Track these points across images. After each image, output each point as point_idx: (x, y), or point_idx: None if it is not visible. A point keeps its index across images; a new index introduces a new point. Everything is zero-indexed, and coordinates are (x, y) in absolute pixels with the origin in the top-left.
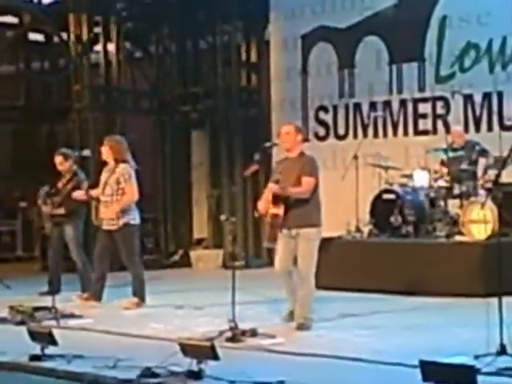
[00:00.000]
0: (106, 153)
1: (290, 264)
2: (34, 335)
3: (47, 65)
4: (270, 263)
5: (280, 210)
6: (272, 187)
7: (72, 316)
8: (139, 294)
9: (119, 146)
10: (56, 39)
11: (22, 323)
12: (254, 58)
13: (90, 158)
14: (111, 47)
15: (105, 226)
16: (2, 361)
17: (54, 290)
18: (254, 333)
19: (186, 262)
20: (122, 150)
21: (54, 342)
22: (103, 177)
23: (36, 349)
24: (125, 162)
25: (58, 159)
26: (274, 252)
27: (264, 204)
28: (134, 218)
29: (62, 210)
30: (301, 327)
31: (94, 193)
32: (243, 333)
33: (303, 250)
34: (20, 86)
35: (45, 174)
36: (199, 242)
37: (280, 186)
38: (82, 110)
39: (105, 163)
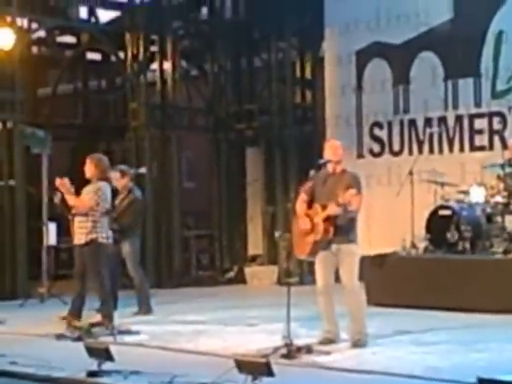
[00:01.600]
0: (89, 170)
1: (332, 280)
2: (91, 351)
3: (104, 83)
4: None
5: (331, 228)
6: (332, 209)
7: (128, 332)
8: (104, 311)
9: (101, 163)
10: (113, 58)
11: (79, 339)
12: (308, 74)
13: (146, 176)
14: (167, 65)
15: (75, 241)
16: (60, 376)
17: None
18: (309, 349)
19: (240, 279)
20: (103, 167)
21: (110, 358)
22: (84, 192)
23: (93, 365)
24: (105, 179)
25: (116, 175)
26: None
27: (305, 219)
28: (105, 236)
29: (115, 225)
30: (357, 343)
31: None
32: (298, 349)
33: (348, 264)
34: (78, 104)
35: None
36: (254, 258)
37: (339, 205)
38: (139, 128)
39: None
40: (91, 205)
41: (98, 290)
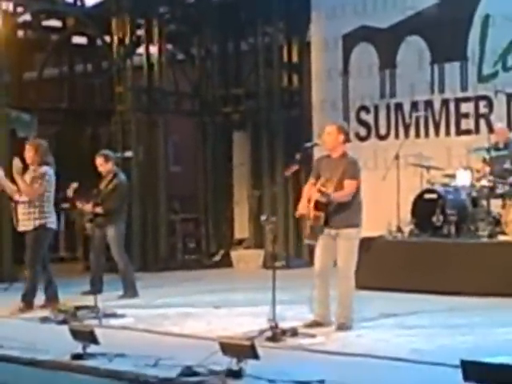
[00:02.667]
0: (29, 156)
1: (330, 264)
2: (76, 334)
3: (90, 67)
4: (311, 263)
5: (321, 214)
6: (315, 196)
7: (113, 315)
8: (28, 298)
9: (42, 148)
10: (99, 42)
11: (64, 322)
12: (295, 58)
13: (132, 159)
14: (153, 49)
15: (20, 228)
16: (45, 359)
17: (96, 289)
18: (294, 332)
19: (227, 262)
20: (45, 152)
21: (95, 341)
22: (25, 178)
23: (78, 347)
24: (47, 164)
25: (99, 160)
26: (314, 251)
27: (304, 203)
28: (51, 221)
29: (100, 209)
30: (341, 327)
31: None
32: (283, 332)
33: (343, 249)
34: (64, 88)
35: (88, 176)
36: (240, 242)
37: (322, 193)
38: (125, 112)
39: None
40: (41, 191)
41: (30, 274)
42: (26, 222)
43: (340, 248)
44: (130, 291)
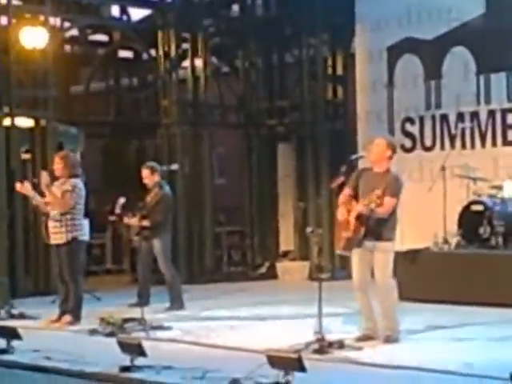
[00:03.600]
0: (58, 169)
1: (369, 276)
2: (123, 346)
3: (136, 81)
4: None
5: (362, 227)
6: (359, 208)
7: (160, 327)
8: (75, 312)
9: (71, 160)
10: (145, 56)
11: (112, 334)
12: (339, 70)
13: (177, 172)
14: (199, 63)
15: (52, 241)
16: (94, 371)
17: (143, 302)
18: (340, 345)
19: (272, 274)
20: (74, 164)
21: (143, 354)
22: (54, 190)
23: (126, 360)
24: (76, 176)
25: (145, 173)
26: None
27: (343, 212)
28: (83, 234)
29: (146, 222)
30: (388, 339)
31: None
32: (330, 345)
33: (382, 261)
34: (110, 102)
35: (134, 188)
36: (285, 254)
37: (368, 208)
38: (170, 125)
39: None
40: (72, 204)
41: (73, 287)
42: (57, 235)
43: (378, 260)
44: (177, 303)
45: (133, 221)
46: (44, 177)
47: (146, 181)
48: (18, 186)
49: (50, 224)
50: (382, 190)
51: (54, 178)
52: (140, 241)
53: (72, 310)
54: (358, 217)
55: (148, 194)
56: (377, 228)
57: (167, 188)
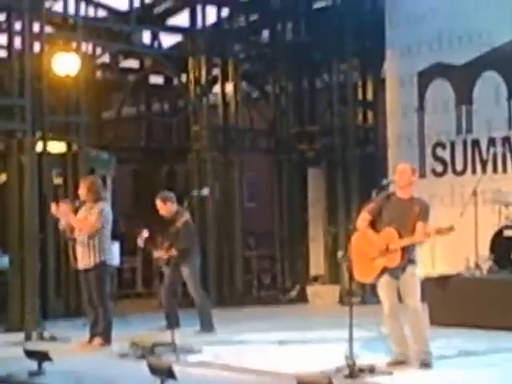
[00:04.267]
0: (82, 193)
1: (397, 301)
2: (154, 370)
3: (167, 106)
4: None
5: (407, 254)
6: (423, 237)
7: (191, 351)
8: (105, 335)
9: (95, 185)
10: (175, 81)
11: (142, 358)
12: (369, 95)
13: (208, 197)
14: (229, 88)
15: (80, 266)
16: None
17: (171, 325)
18: (371, 370)
19: (302, 298)
20: (98, 189)
21: (173, 377)
22: (80, 215)
23: (156, 383)
24: (102, 200)
25: (159, 204)
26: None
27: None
28: (111, 257)
29: (174, 252)
30: (424, 363)
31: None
32: (361, 370)
33: (411, 285)
34: (141, 127)
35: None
36: (315, 278)
37: (426, 233)
38: (201, 150)
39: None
40: (98, 226)
41: (102, 311)
42: (85, 260)
43: (407, 284)
44: (207, 326)
45: (161, 254)
46: (63, 206)
47: (161, 212)
48: (53, 207)
49: (78, 249)
50: (415, 216)
51: (81, 203)
52: (168, 269)
53: (102, 333)
54: (406, 246)
55: (170, 224)
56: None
57: (188, 215)
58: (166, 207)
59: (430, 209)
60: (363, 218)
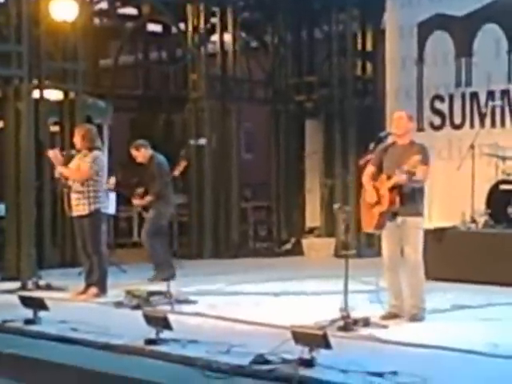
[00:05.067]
0: (77, 142)
1: (398, 254)
2: (149, 319)
3: (165, 55)
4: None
5: (397, 198)
6: (396, 178)
7: (186, 301)
8: (101, 284)
9: (90, 133)
10: (174, 30)
11: (137, 307)
12: (369, 46)
13: (205, 147)
14: (227, 37)
15: (75, 213)
16: (119, 344)
17: (164, 274)
18: (366, 322)
19: (298, 250)
20: (93, 137)
21: (168, 327)
22: (74, 163)
23: (151, 333)
24: (97, 148)
25: (133, 153)
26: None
27: (372, 193)
28: (105, 205)
29: (150, 197)
30: (414, 318)
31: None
32: (355, 322)
33: (412, 238)
34: (138, 75)
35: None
36: (311, 230)
37: (410, 173)
38: (199, 100)
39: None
40: (91, 174)
41: (97, 259)
42: (80, 207)
43: (409, 237)
44: (160, 272)
45: (137, 201)
46: (58, 155)
47: (138, 160)
48: (50, 152)
49: (73, 196)
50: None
51: (76, 152)
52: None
53: (97, 282)
54: (394, 187)
55: (145, 169)
56: (407, 202)
57: (161, 157)
58: (141, 154)
59: (428, 151)
60: (367, 171)
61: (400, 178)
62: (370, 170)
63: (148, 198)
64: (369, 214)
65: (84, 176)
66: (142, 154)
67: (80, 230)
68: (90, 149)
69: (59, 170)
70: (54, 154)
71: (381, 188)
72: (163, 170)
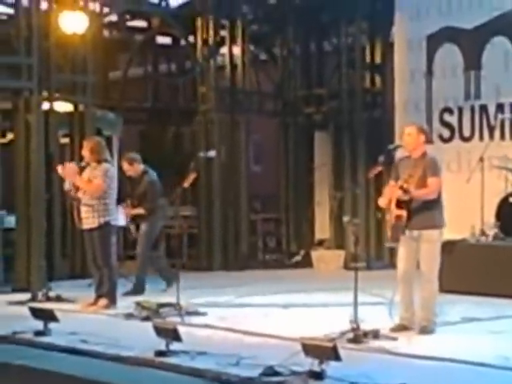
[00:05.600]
0: (85, 155)
1: (414, 267)
2: (159, 331)
3: (174, 67)
4: (392, 265)
5: (403, 212)
6: (397, 194)
7: (196, 313)
8: (110, 296)
9: (98, 146)
10: (183, 42)
11: (147, 319)
12: (378, 59)
13: (214, 159)
14: (237, 50)
15: (85, 226)
16: (129, 355)
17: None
18: (376, 334)
19: (307, 262)
20: (101, 150)
21: (178, 339)
22: (84, 176)
23: (161, 345)
24: (106, 161)
25: (125, 166)
26: (396, 253)
27: (385, 200)
28: (115, 218)
29: (140, 210)
30: (424, 330)
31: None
32: (365, 334)
33: (426, 252)
34: (148, 88)
35: (170, 174)
36: (320, 242)
37: (404, 190)
38: (208, 112)
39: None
40: (105, 188)
41: (107, 271)
42: (89, 220)
43: (423, 251)
44: (138, 288)
45: (132, 212)
46: (70, 167)
47: (128, 173)
48: (59, 168)
49: (83, 209)
50: (420, 172)
51: (86, 164)
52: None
53: (107, 294)
54: (398, 203)
55: (136, 184)
56: (420, 214)
57: (153, 175)
58: (133, 168)
59: (439, 164)
60: (390, 185)
61: (397, 195)
62: (391, 183)
63: (137, 211)
64: (385, 228)
65: (99, 190)
66: (134, 168)
67: (90, 242)
68: (99, 161)
69: (75, 181)
70: (70, 167)
71: (392, 203)
72: (155, 188)
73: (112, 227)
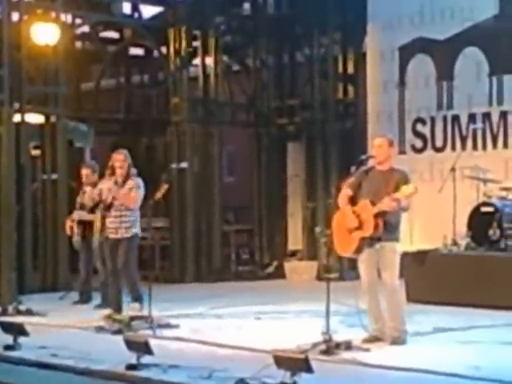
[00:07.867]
0: (124, 167)
1: (376, 277)
2: (130, 344)
3: (147, 78)
4: None
5: (381, 224)
6: (384, 205)
7: (167, 326)
8: (139, 300)
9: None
10: (156, 53)
11: (119, 332)
12: (350, 69)
13: (187, 170)
14: (209, 61)
15: (111, 235)
16: (99, 369)
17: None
18: (348, 346)
19: (280, 274)
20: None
21: (149, 352)
22: (107, 188)
23: (132, 358)
24: (134, 174)
25: (86, 171)
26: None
27: (352, 217)
28: (139, 229)
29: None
30: (396, 341)
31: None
32: (337, 345)
33: (390, 262)
34: (120, 99)
35: (145, 185)
36: (293, 253)
37: (393, 198)
38: (180, 123)
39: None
40: (140, 201)
41: (134, 283)
42: (120, 230)
43: (386, 261)
44: (107, 302)
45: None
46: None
47: (85, 180)
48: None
49: (111, 219)
50: (393, 185)
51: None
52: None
53: (137, 298)
54: (378, 214)
55: (84, 192)
56: (391, 226)
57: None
58: (93, 177)
59: (409, 177)
60: (344, 194)
61: (390, 205)
62: (346, 192)
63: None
64: (346, 239)
65: (138, 203)
66: (93, 178)
67: (113, 252)
68: (129, 175)
69: (118, 195)
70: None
71: (362, 213)
72: None
73: (139, 239)
